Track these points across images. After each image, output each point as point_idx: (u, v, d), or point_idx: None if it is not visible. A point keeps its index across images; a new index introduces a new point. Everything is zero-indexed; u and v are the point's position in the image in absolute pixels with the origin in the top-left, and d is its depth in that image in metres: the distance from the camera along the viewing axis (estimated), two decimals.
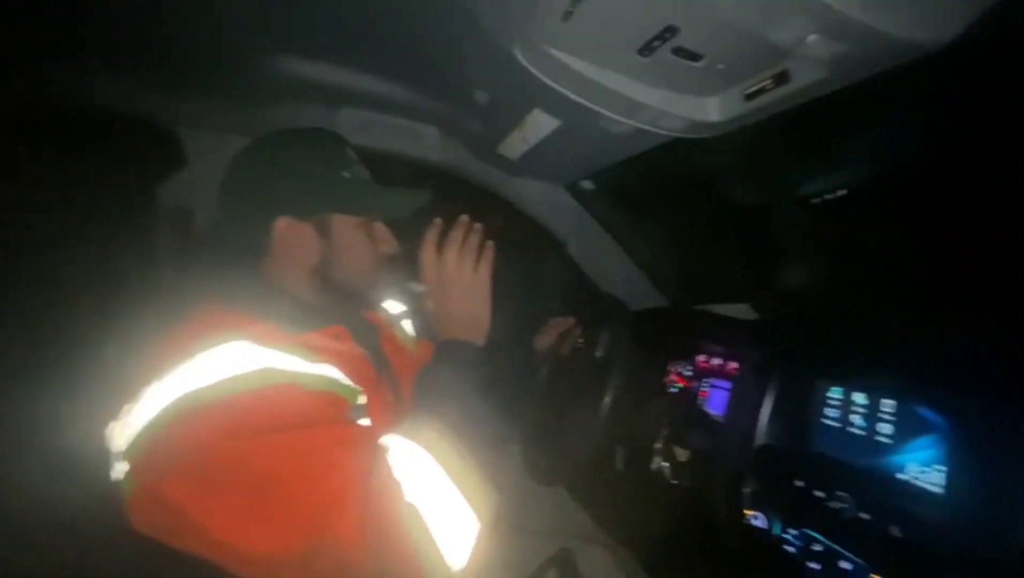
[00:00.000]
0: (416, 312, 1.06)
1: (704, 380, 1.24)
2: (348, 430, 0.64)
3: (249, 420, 0.56)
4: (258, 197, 0.71)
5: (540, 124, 0.98)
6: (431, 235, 0.78)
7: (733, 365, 1.17)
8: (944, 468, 0.68)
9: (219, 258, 0.76)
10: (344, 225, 0.74)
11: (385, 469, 0.59)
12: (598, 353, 1.14)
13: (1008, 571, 0.56)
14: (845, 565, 0.73)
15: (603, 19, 0.62)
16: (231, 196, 0.73)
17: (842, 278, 1.01)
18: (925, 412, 0.71)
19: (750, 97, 0.73)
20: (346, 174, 0.74)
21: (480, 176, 1.36)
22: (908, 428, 0.72)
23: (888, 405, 0.75)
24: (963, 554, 0.62)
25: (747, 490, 0.90)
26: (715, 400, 1.19)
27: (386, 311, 1.00)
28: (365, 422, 0.69)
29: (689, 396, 1.27)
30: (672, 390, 1.34)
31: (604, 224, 1.45)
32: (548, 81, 0.78)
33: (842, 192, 0.79)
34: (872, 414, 0.77)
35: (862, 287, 0.97)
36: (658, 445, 1.08)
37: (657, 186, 1.26)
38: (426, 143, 1.28)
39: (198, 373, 0.57)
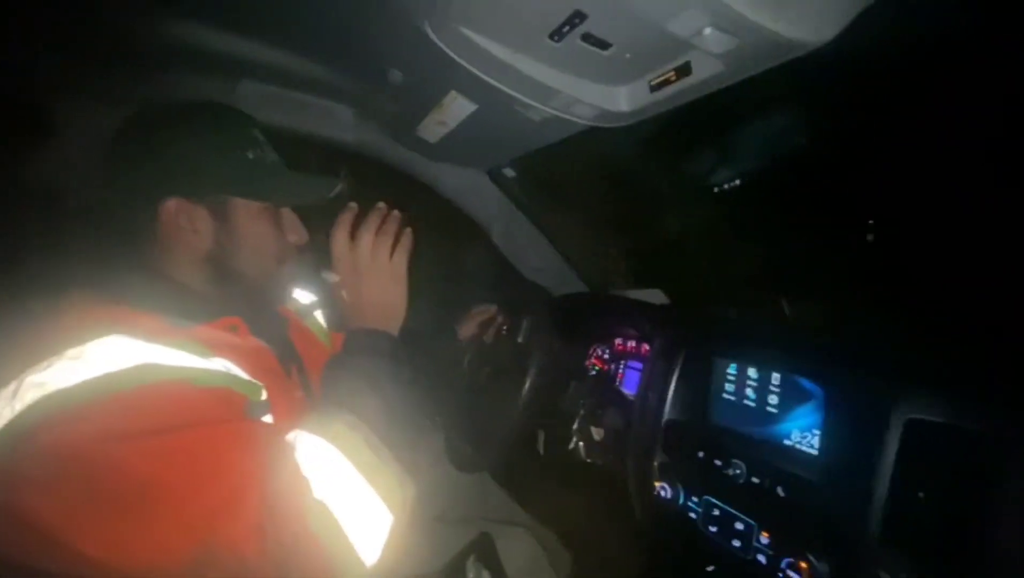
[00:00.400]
0: (329, 303, 1.01)
1: (621, 362, 1.29)
2: (244, 428, 0.59)
3: (127, 421, 0.50)
4: (145, 173, 0.64)
5: (458, 107, 0.96)
6: (344, 219, 0.74)
7: (646, 347, 1.23)
8: (819, 432, 0.75)
9: (95, 243, 0.67)
10: (245, 210, 0.68)
11: (291, 466, 0.56)
12: (520, 339, 1.15)
13: (864, 519, 0.63)
14: (739, 526, 0.80)
15: None
16: (113, 172, 0.65)
17: (737, 262, 1.09)
18: (805, 383, 0.78)
19: (655, 88, 0.76)
20: (250, 155, 0.68)
21: (398, 160, 1.32)
22: (791, 398, 0.80)
23: (775, 378, 0.82)
24: (831, 506, 0.69)
25: (655, 463, 0.95)
26: (630, 381, 1.25)
27: (296, 302, 0.95)
28: (267, 419, 0.65)
29: (607, 378, 1.32)
30: (592, 373, 1.39)
31: (525, 211, 1.46)
32: (461, 61, 0.76)
33: (736, 182, 0.85)
34: (763, 387, 0.84)
35: (754, 271, 1.06)
36: (575, 426, 1.12)
37: (575, 174, 1.29)
38: (339, 123, 1.22)
39: (65, 372, 0.51)
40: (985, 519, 0.55)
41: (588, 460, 1.07)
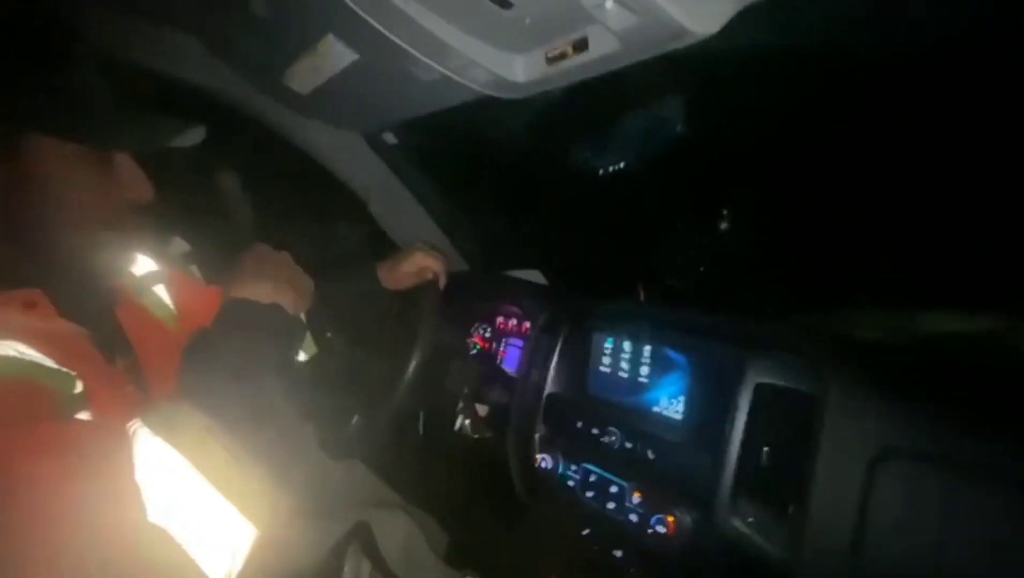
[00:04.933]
0: (177, 270, 0.84)
1: (503, 340, 1.30)
2: (52, 431, 0.45)
3: None
4: None
5: (335, 54, 0.85)
6: None
7: (526, 325, 1.25)
8: (683, 398, 0.83)
9: None
10: (53, 152, 0.52)
11: (120, 479, 0.44)
12: (405, 319, 1.09)
13: (719, 474, 0.71)
14: (613, 489, 0.86)
15: None
16: None
17: (615, 244, 1.15)
18: (672, 353, 0.85)
19: (552, 60, 0.75)
20: (59, 79, 0.52)
21: (260, 110, 1.15)
22: (661, 368, 0.87)
23: (647, 350, 0.89)
24: (693, 465, 0.77)
25: (537, 436, 0.98)
26: (511, 358, 1.26)
27: (130, 274, 0.77)
28: (84, 416, 0.51)
29: (489, 356, 1.32)
30: (473, 352, 1.38)
31: (407, 182, 1.38)
32: (347, 1, 0.67)
33: (620, 165, 0.89)
34: (636, 359, 0.90)
35: (623, 255, 1.13)
36: (460, 405, 1.10)
37: (461, 147, 1.25)
38: (184, 59, 1.02)
39: None
40: (810, 466, 0.65)
41: (475, 436, 1.06)
